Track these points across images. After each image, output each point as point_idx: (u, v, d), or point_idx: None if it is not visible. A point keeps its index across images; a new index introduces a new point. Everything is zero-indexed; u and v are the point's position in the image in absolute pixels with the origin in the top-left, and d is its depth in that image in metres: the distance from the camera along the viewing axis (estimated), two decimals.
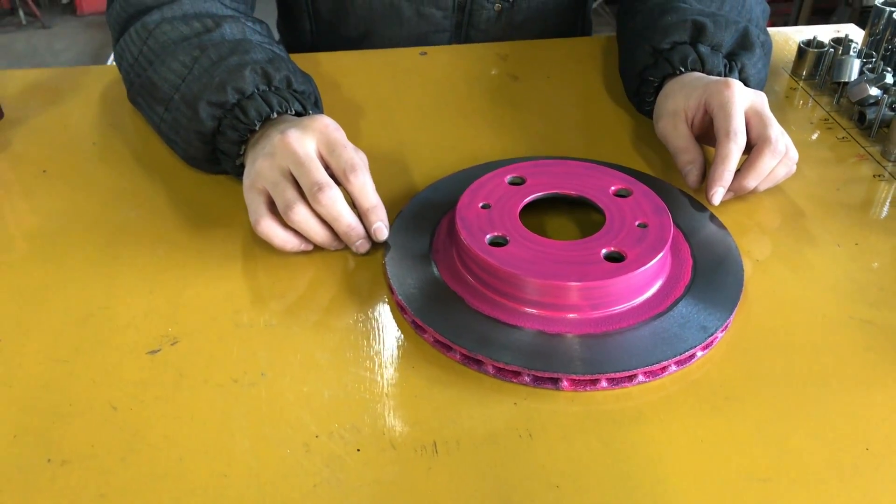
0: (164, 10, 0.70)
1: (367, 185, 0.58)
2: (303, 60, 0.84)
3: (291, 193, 0.57)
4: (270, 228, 0.57)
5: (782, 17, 3.15)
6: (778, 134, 0.61)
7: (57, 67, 0.87)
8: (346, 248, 0.59)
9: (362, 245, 0.59)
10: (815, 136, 0.74)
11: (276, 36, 1.01)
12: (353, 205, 0.58)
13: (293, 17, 0.95)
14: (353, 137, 0.71)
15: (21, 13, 3.77)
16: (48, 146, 0.73)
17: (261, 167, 0.58)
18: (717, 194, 0.61)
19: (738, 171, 0.62)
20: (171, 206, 0.65)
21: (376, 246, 0.59)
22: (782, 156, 0.62)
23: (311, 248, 0.59)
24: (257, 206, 0.58)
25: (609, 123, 0.77)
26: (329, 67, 0.85)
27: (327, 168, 0.58)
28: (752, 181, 0.62)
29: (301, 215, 0.56)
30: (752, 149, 0.62)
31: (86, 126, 0.76)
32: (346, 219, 0.57)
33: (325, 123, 0.59)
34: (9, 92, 0.81)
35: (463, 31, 0.92)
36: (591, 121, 0.77)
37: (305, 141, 0.58)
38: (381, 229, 0.58)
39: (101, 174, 0.69)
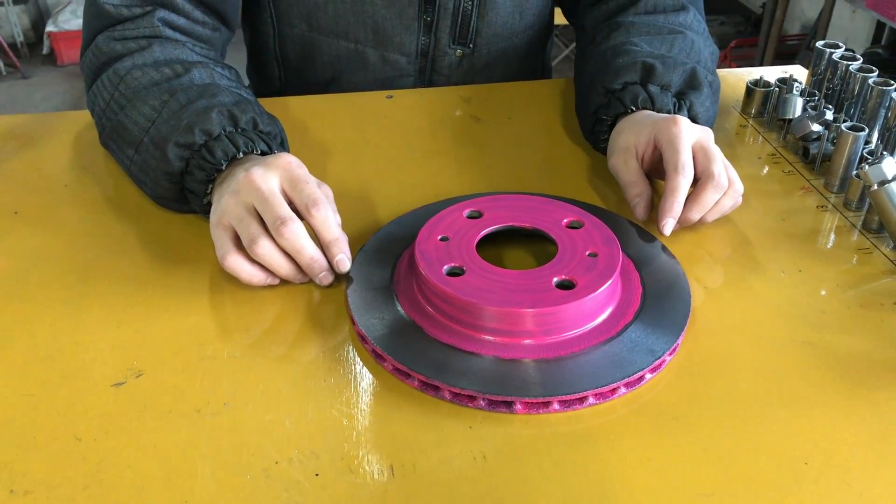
0: (135, 58, 0.73)
1: (328, 218, 0.60)
2: (272, 104, 0.86)
3: (256, 228, 0.59)
4: (237, 263, 0.59)
5: (747, 60, 3.25)
6: (721, 169, 0.65)
7: (33, 114, 0.89)
8: (311, 281, 0.61)
9: (325, 277, 0.60)
10: (763, 171, 0.78)
11: (246, 82, 1.04)
12: (317, 238, 0.60)
13: (262, 63, 0.98)
14: (320, 176, 0.73)
15: (1, 64, 3.80)
16: (21, 189, 0.74)
17: (226, 204, 0.60)
18: (668, 225, 0.64)
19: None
20: (139, 244, 0.67)
21: (340, 278, 0.61)
22: (724, 189, 0.65)
23: (277, 282, 0.61)
24: (224, 243, 0.60)
25: (566, 161, 0.80)
26: (297, 111, 0.88)
27: (291, 203, 0.60)
28: (696, 213, 0.65)
29: (265, 249, 0.58)
30: (697, 182, 0.65)
31: (58, 169, 0.78)
32: (309, 251, 0.59)
33: (287, 161, 0.62)
34: None
35: (426, 76, 0.95)
36: (549, 159, 0.80)
37: (269, 177, 0.60)
38: (344, 261, 0.60)
39: (72, 215, 0.71)
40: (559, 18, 1.05)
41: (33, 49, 4.05)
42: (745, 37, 3.48)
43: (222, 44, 0.85)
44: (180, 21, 0.77)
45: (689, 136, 0.66)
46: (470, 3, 0.89)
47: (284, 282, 0.61)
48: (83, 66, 0.77)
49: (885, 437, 0.49)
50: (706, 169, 0.65)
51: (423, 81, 0.96)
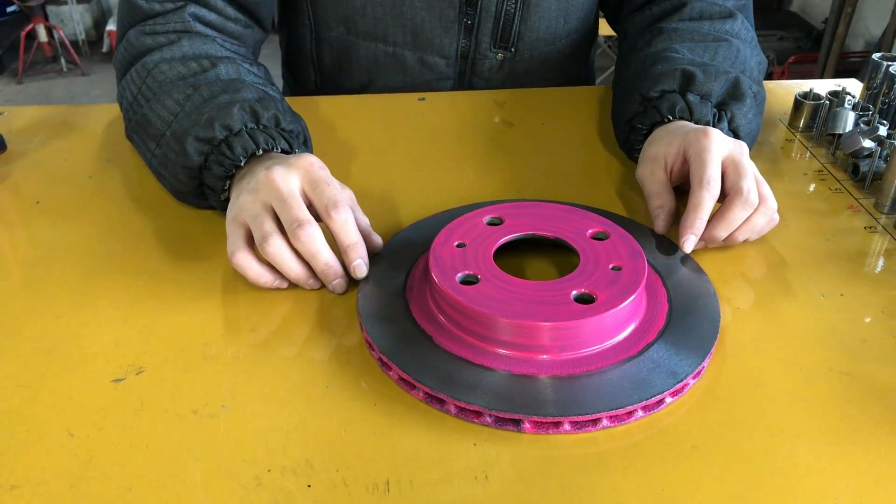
0: (163, 52, 0.72)
1: (348, 222, 0.58)
2: (304, 103, 0.85)
3: (270, 226, 0.57)
4: (245, 261, 0.57)
5: (806, 77, 3.15)
6: (750, 185, 0.61)
7: (64, 105, 0.90)
8: (323, 286, 0.59)
9: (339, 284, 0.58)
10: (808, 188, 0.73)
11: (280, 84, 1.03)
12: (335, 244, 0.59)
13: (298, 67, 0.97)
14: (344, 177, 0.72)
15: (63, 60, 3.91)
16: (45, 179, 0.74)
17: (244, 201, 0.59)
18: (689, 242, 0.60)
19: (709, 221, 0.61)
20: (156, 239, 0.66)
21: (353, 283, 0.59)
22: (754, 206, 0.61)
23: (285, 285, 0.59)
24: (236, 239, 0.58)
25: (599, 170, 0.77)
26: (327, 110, 0.87)
27: (310, 206, 0.59)
28: (723, 231, 0.61)
29: (276, 247, 0.57)
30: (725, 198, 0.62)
31: (84, 160, 0.77)
32: (325, 256, 0.57)
33: (309, 161, 0.60)
34: (16, 126, 0.83)
35: (466, 79, 0.93)
36: (581, 167, 0.77)
37: (289, 178, 0.58)
38: (361, 266, 0.58)
39: (93, 207, 0.70)
40: (608, 29, 1.02)
41: (94, 47, 4.16)
42: (805, 52, 3.38)
43: (255, 43, 0.84)
44: (211, 17, 0.77)
45: (720, 149, 0.62)
46: (513, 5, 0.87)
47: (293, 286, 0.59)
48: (115, 61, 0.77)
49: None
50: (735, 184, 0.61)
51: (462, 85, 0.94)
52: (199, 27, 0.75)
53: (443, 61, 0.91)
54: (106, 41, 4.07)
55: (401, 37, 0.88)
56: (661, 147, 0.66)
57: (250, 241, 0.59)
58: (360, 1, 0.86)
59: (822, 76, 2.95)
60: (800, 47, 3.46)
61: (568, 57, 0.97)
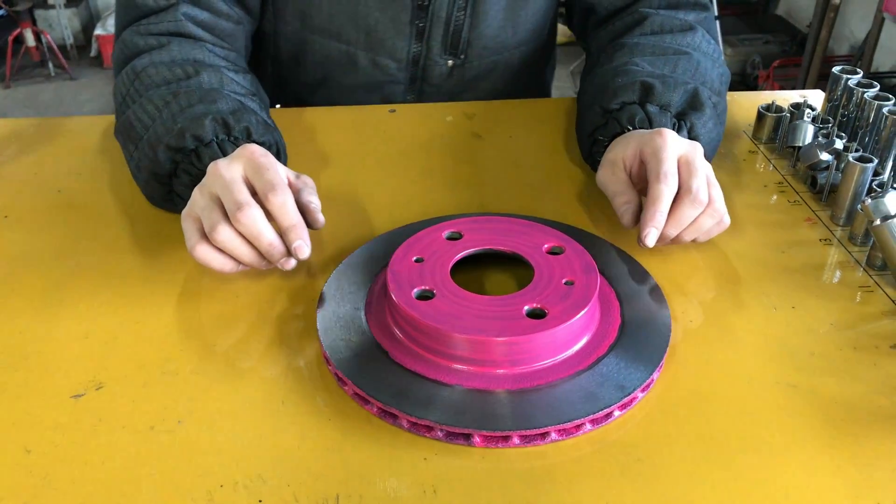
0: (153, 55, 0.74)
1: (286, 204, 0.59)
2: (276, 114, 0.86)
3: (216, 215, 0.58)
4: (205, 253, 0.59)
5: (790, 81, 3.17)
6: (700, 184, 0.62)
7: (36, 118, 0.90)
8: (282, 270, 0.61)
9: (287, 262, 0.60)
10: (768, 199, 0.74)
11: None
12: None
13: (258, 61, 0.98)
14: None
15: (50, 65, 3.91)
16: (15, 192, 0.75)
17: (194, 196, 0.61)
18: (651, 235, 0.61)
19: None
20: (121, 253, 0.67)
21: (315, 272, 0.60)
22: (703, 206, 0.62)
23: (250, 266, 0.60)
24: (192, 234, 0.60)
25: (564, 182, 0.78)
26: (301, 121, 0.87)
27: (255, 192, 0.60)
28: (672, 230, 0.62)
29: (224, 235, 0.58)
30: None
31: (54, 174, 0.78)
32: (267, 237, 0.58)
33: (251, 150, 0.61)
34: None
35: (417, 85, 0.94)
36: (546, 179, 0.78)
37: (232, 166, 0.60)
38: (302, 247, 0.59)
39: (62, 220, 0.71)
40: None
41: (82, 51, 4.16)
42: (790, 56, 3.40)
43: (245, 37, 0.85)
44: (203, 16, 0.78)
45: (674, 148, 0.63)
46: (462, 12, 0.88)
47: (256, 299, 0.60)
48: (112, 58, 0.79)
49: (862, 491, 0.46)
50: (685, 182, 0.62)
51: (413, 90, 0.95)
52: (191, 27, 0.77)
53: (394, 64, 0.91)
54: (94, 45, 4.07)
55: (354, 36, 0.89)
56: (619, 150, 0.67)
57: (206, 234, 0.60)
58: None
59: (805, 80, 2.96)
60: (785, 51, 3.48)
61: (518, 68, 0.98)
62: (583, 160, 0.79)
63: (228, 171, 0.59)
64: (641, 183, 0.67)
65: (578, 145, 0.79)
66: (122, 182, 0.76)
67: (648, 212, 0.61)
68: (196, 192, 0.60)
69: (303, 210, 0.61)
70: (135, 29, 0.76)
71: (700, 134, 0.71)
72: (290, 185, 0.62)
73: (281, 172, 0.61)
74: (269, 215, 0.59)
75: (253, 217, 0.57)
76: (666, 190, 0.61)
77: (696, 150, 0.64)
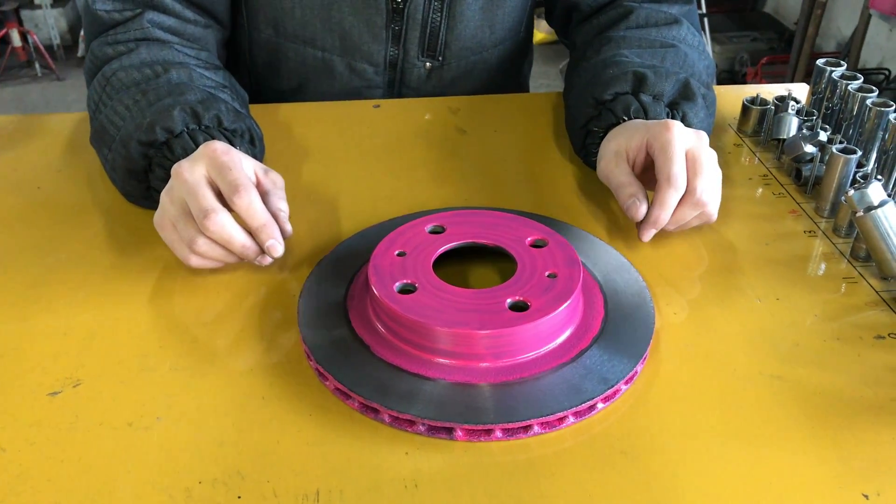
0: (122, 60, 0.73)
1: (252, 204, 0.58)
2: (260, 111, 0.85)
3: (191, 229, 0.58)
4: (201, 262, 0.59)
5: (778, 78, 3.18)
6: (703, 187, 0.62)
7: (17, 115, 0.89)
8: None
9: (262, 259, 0.60)
10: (753, 192, 0.74)
11: None
12: None
13: (234, 69, 0.97)
14: (294, 184, 0.72)
15: (37, 65, 3.88)
16: None
17: (163, 203, 0.60)
18: (650, 234, 0.63)
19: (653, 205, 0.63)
20: (100, 250, 0.66)
21: (296, 268, 0.60)
22: (703, 208, 0.62)
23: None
24: (178, 246, 0.59)
25: (549, 176, 0.77)
26: (284, 117, 0.87)
27: (220, 194, 0.59)
28: (669, 226, 0.64)
29: (203, 247, 0.58)
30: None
31: (34, 171, 0.77)
32: (238, 240, 0.58)
33: (213, 149, 0.59)
34: None
35: (396, 89, 0.93)
36: (532, 174, 0.78)
37: (194, 169, 0.59)
38: (275, 246, 0.59)
39: (40, 218, 0.70)
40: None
41: (69, 52, 4.13)
42: (778, 53, 3.41)
43: (216, 42, 0.84)
44: (169, 21, 0.77)
45: (682, 142, 0.63)
46: (438, 14, 0.87)
47: (243, 292, 0.60)
48: (84, 72, 0.78)
49: (846, 481, 0.46)
50: (690, 183, 0.62)
51: (392, 94, 0.94)
52: (158, 33, 0.76)
53: (371, 68, 0.90)
54: (81, 46, 4.04)
55: (329, 42, 0.88)
56: (622, 141, 0.67)
57: None
58: (289, 3, 0.86)
59: (793, 77, 2.97)
60: (773, 48, 3.49)
61: (496, 68, 0.97)
62: (569, 155, 0.79)
63: (191, 175, 0.58)
64: (645, 173, 0.67)
65: (570, 139, 0.79)
66: (102, 179, 0.75)
67: (653, 213, 0.62)
68: (164, 197, 0.60)
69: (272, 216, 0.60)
70: (103, 40, 0.76)
71: (693, 123, 0.71)
72: (259, 183, 0.61)
73: (246, 169, 0.60)
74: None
75: (220, 223, 0.57)
76: (675, 195, 0.61)
77: (702, 141, 0.63)
